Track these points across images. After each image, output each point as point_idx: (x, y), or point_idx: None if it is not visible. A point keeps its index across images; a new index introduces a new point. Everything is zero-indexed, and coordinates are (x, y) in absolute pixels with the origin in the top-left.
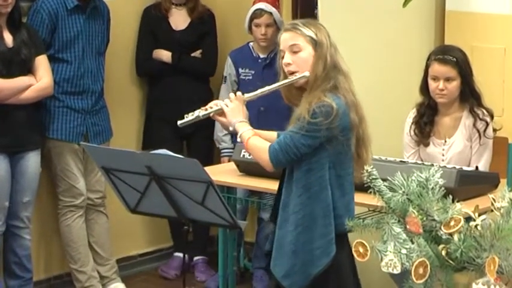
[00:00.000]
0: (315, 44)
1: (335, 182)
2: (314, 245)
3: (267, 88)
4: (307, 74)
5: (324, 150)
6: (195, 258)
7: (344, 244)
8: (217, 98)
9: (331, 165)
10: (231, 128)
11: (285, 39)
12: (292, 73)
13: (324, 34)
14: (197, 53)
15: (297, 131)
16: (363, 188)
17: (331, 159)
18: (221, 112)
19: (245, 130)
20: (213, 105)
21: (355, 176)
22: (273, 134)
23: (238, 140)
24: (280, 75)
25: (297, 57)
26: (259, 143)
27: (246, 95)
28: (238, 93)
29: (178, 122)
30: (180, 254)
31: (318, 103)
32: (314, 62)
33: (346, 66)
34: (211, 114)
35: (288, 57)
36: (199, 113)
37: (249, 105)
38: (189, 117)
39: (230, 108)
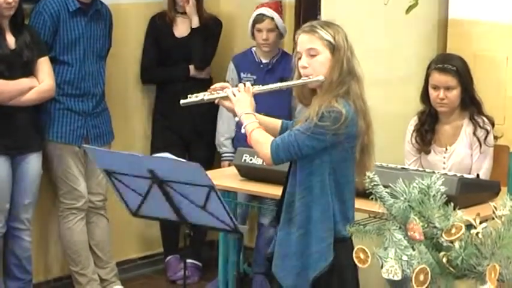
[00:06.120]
0: (333, 48)
1: (334, 188)
2: (313, 248)
3: (278, 85)
4: (321, 78)
5: (327, 154)
6: (187, 261)
7: (346, 249)
8: None
9: (331, 171)
10: (236, 119)
11: (303, 41)
12: (307, 76)
13: (341, 37)
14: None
15: (303, 131)
16: (365, 194)
17: (332, 165)
18: (226, 98)
19: (250, 122)
20: (219, 89)
21: (357, 181)
22: (277, 122)
23: (243, 131)
24: (295, 74)
25: (314, 60)
26: (262, 137)
27: (256, 88)
28: (248, 84)
29: (181, 101)
30: (176, 256)
31: (328, 107)
32: (330, 67)
33: (361, 69)
34: (216, 101)
35: (304, 60)
36: (204, 96)
37: None
38: (193, 98)
39: (237, 98)
